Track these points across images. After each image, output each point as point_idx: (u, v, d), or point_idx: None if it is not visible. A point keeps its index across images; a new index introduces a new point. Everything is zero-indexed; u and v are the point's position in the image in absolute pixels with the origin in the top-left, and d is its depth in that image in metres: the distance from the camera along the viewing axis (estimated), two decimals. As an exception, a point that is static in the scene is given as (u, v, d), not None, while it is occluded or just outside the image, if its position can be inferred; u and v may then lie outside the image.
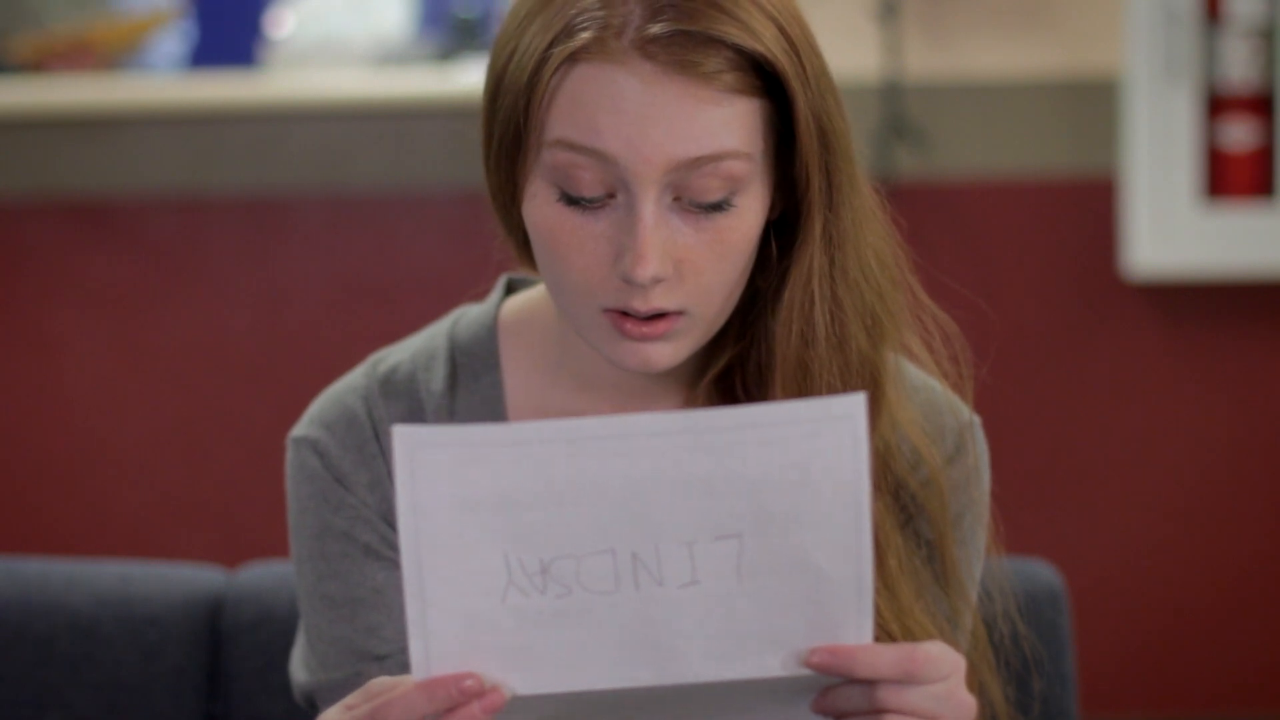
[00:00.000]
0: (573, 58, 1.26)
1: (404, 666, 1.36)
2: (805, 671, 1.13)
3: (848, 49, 3.29)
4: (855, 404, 1.10)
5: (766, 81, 1.28)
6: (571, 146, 1.26)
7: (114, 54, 3.70)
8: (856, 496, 1.11)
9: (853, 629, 1.13)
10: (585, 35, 1.26)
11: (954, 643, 1.36)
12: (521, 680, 1.12)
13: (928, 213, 3.33)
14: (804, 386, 1.33)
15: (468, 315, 1.46)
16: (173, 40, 3.93)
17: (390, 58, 3.69)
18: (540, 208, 1.29)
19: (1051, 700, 1.67)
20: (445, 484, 1.09)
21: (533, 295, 1.45)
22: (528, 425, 1.10)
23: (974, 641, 1.41)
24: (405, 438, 1.09)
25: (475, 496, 1.09)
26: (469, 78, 3.41)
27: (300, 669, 1.43)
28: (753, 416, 1.11)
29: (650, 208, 1.26)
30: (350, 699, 1.18)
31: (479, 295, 1.49)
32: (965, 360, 1.42)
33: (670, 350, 1.30)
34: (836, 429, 1.10)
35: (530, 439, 1.09)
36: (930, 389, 1.42)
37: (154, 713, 1.71)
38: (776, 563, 1.11)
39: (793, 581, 1.11)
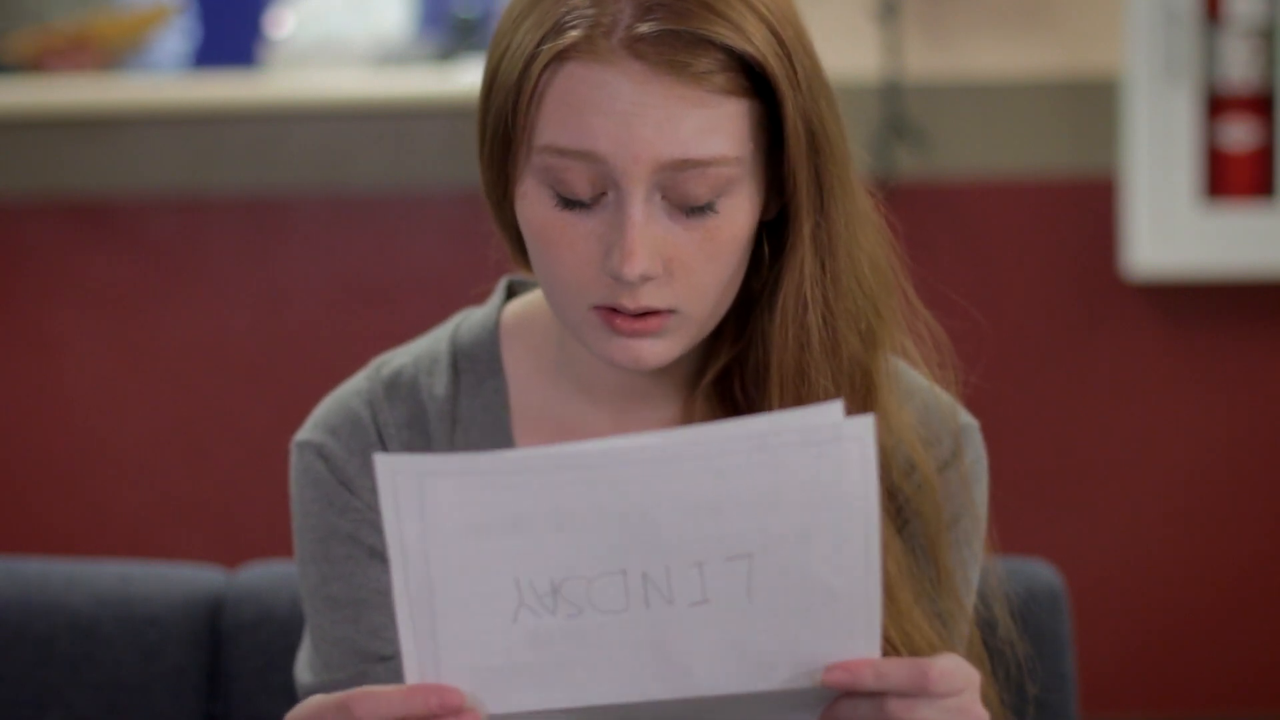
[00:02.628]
0: (561, 56, 1.26)
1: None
2: (813, 683, 1.13)
3: (848, 49, 3.29)
4: (864, 425, 1.10)
5: (757, 82, 1.28)
6: (562, 152, 1.27)
7: (115, 50, 3.70)
8: (866, 515, 1.11)
9: (861, 642, 1.13)
10: (575, 34, 1.26)
11: (950, 647, 1.36)
12: (532, 699, 1.12)
13: (927, 213, 3.33)
14: (801, 390, 1.33)
15: (470, 319, 1.46)
16: (176, 39, 3.92)
17: (390, 58, 3.68)
18: (531, 206, 1.30)
19: (1051, 700, 1.67)
20: (455, 511, 1.09)
21: (533, 298, 1.45)
22: (536, 452, 1.10)
23: (970, 646, 1.41)
24: (413, 466, 1.09)
25: (485, 522, 1.09)
26: (469, 78, 3.41)
27: (305, 670, 1.43)
28: (762, 438, 1.11)
29: (639, 206, 1.26)
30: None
31: (480, 297, 1.49)
32: (953, 367, 1.42)
33: (661, 347, 1.30)
34: (846, 450, 1.10)
35: (539, 466, 1.09)
36: (926, 392, 1.42)
37: (154, 713, 1.71)
38: (786, 580, 1.11)
39: (802, 598, 1.12)
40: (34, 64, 3.63)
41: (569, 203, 1.28)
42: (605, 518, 1.10)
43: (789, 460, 1.10)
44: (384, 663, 1.37)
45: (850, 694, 1.15)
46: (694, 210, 1.28)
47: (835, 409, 1.10)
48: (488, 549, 1.10)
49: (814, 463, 1.10)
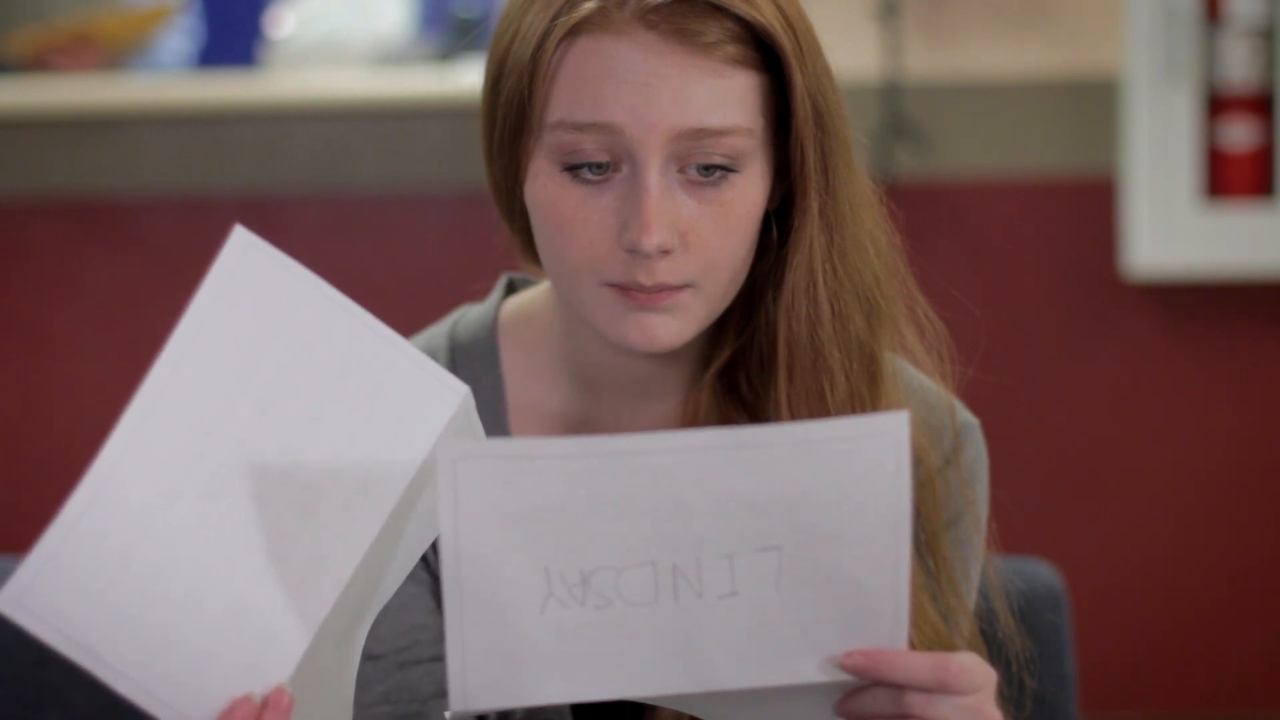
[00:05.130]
0: (575, 30, 1.27)
1: (399, 666, 1.36)
2: (837, 676, 1.13)
3: (848, 49, 3.29)
4: (898, 421, 1.10)
5: (766, 57, 1.30)
6: (577, 126, 1.27)
7: (118, 48, 3.70)
8: (898, 511, 1.11)
9: (888, 636, 1.13)
10: (588, 6, 1.27)
11: (952, 644, 1.36)
12: (559, 690, 1.12)
13: (928, 213, 3.33)
14: (816, 368, 1.34)
15: (468, 315, 1.46)
16: (180, 40, 3.92)
17: (390, 58, 3.69)
18: (544, 185, 1.30)
19: (1051, 700, 1.67)
20: (488, 497, 1.09)
21: (533, 294, 1.45)
22: (572, 440, 1.10)
23: (972, 643, 1.41)
24: (448, 451, 1.09)
25: (517, 509, 1.09)
26: (469, 78, 3.41)
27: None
28: (796, 433, 1.11)
29: (655, 177, 1.27)
30: None
31: (480, 294, 1.49)
32: (953, 364, 1.42)
33: (675, 326, 1.31)
34: (879, 446, 1.10)
35: (574, 453, 1.09)
36: (927, 390, 1.43)
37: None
38: (815, 574, 1.11)
39: (830, 592, 1.12)
40: (36, 61, 3.63)
41: (583, 179, 1.29)
42: (639, 508, 1.10)
43: (824, 455, 1.10)
44: (373, 661, 1.36)
45: (869, 685, 1.15)
46: (708, 184, 1.29)
47: (901, 417, 1.10)
48: (519, 536, 1.10)
49: (848, 458, 1.10)
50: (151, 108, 3.46)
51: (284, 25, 3.85)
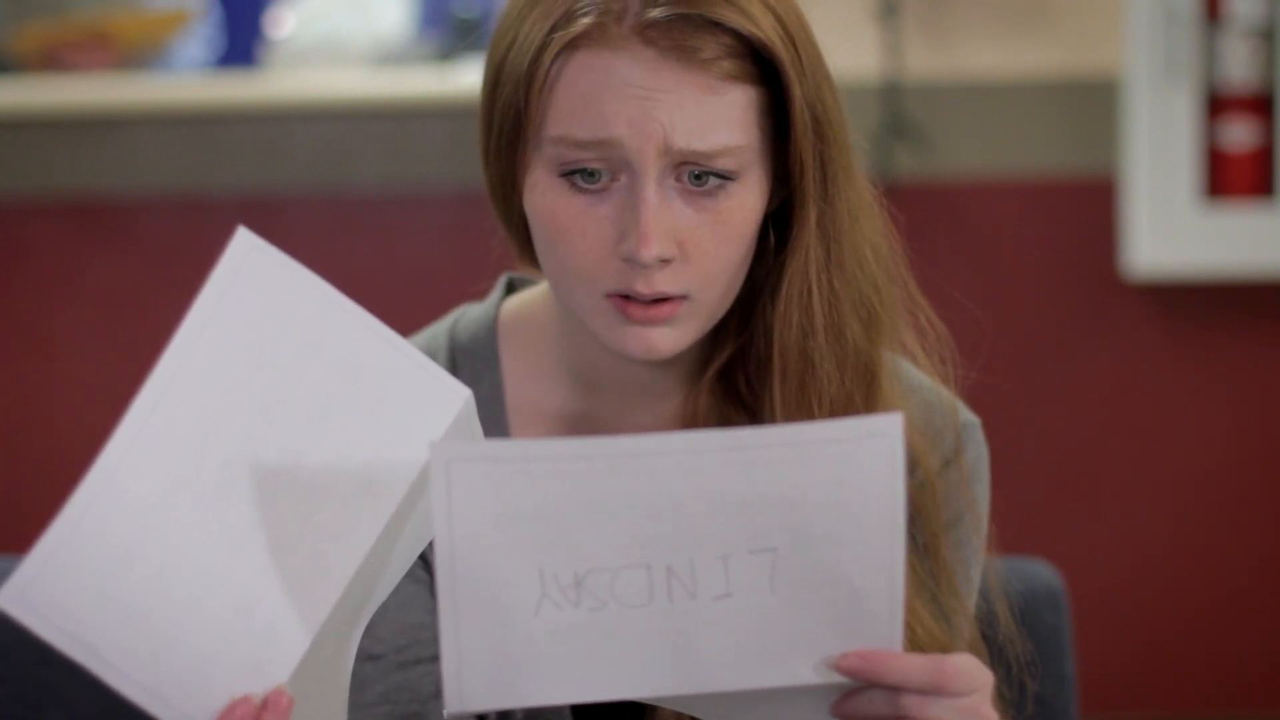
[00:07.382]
0: (573, 44, 1.27)
1: (399, 666, 1.36)
2: (833, 678, 1.13)
3: (848, 49, 3.29)
4: (892, 423, 1.10)
5: (763, 69, 1.29)
6: (579, 145, 1.27)
7: (133, 49, 3.69)
8: (892, 513, 1.11)
9: (883, 638, 1.13)
10: (586, 20, 1.27)
11: (952, 645, 1.36)
12: (555, 692, 1.12)
13: (928, 213, 3.33)
14: (805, 377, 1.34)
15: (468, 315, 1.46)
16: (197, 45, 3.92)
17: (390, 58, 3.69)
18: (542, 194, 1.30)
19: (1051, 700, 1.67)
20: (481, 498, 1.09)
21: (533, 294, 1.45)
22: (566, 441, 1.10)
23: (972, 644, 1.41)
24: (441, 452, 1.09)
25: (511, 510, 1.09)
26: (469, 78, 3.41)
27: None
28: (790, 435, 1.11)
29: (653, 188, 1.27)
30: None
31: (480, 294, 1.49)
32: (952, 362, 1.42)
33: (674, 336, 1.31)
34: (873, 448, 1.10)
35: (568, 455, 1.09)
36: (927, 390, 1.43)
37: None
38: (810, 576, 1.12)
39: (825, 593, 1.12)
40: (48, 57, 3.62)
41: (580, 187, 1.29)
42: (633, 510, 1.10)
43: (819, 457, 1.10)
44: (373, 661, 1.36)
45: (864, 687, 1.15)
46: (705, 194, 1.29)
47: (895, 419, 1.10)
48: (512, 538, 1.10)
49: (842, 460, 1.10)
50: (151, 108, 3.46)
51: (284, 25, 3.85)
